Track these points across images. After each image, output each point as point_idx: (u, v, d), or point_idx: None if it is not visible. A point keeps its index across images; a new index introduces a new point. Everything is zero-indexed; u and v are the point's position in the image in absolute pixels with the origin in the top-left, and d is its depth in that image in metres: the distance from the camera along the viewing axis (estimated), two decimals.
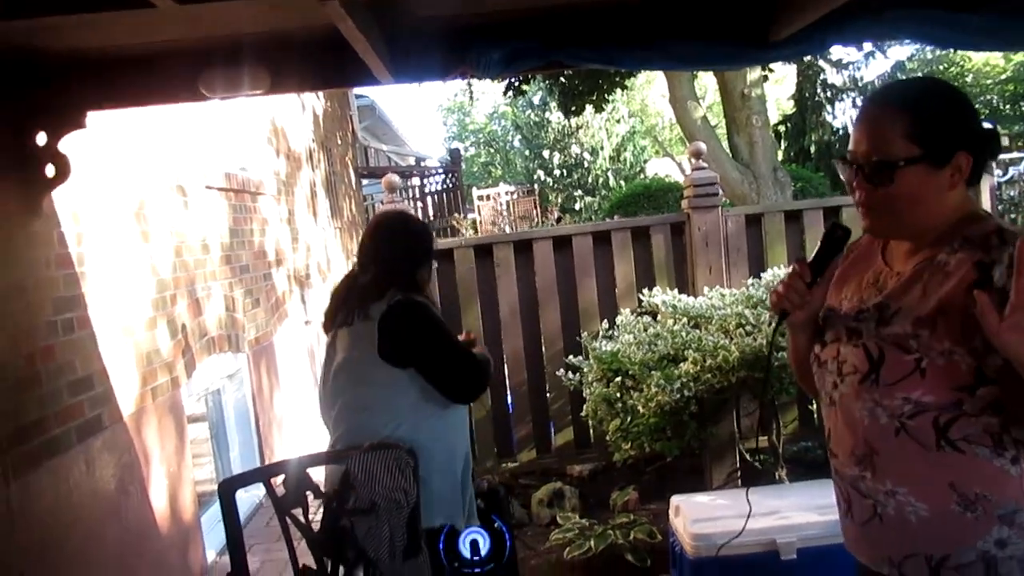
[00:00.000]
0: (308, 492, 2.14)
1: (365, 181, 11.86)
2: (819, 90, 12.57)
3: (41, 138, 2.69)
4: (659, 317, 3.87)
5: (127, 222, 3.53)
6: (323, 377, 2.46)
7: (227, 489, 2.08)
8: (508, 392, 4.28)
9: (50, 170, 2.70)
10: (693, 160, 4.22)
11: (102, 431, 3.09)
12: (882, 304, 1.40)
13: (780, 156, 11.30)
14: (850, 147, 1.41)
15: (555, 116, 18.27)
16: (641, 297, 4.02)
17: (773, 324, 1.77)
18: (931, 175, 1.34)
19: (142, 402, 3.45)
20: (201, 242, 4.41)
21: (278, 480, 2.23)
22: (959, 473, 1.31)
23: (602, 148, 18.81)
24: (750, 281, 3.92)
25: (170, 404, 3.74)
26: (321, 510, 2.16)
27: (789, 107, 13.28)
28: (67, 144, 2.75)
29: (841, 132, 12.70)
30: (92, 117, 2.74)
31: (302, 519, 2.12)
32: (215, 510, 4.29)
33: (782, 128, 12.72)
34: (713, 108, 15.85)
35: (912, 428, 1.33)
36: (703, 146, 4.37)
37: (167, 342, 3.77)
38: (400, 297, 2.29)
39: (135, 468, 3.33)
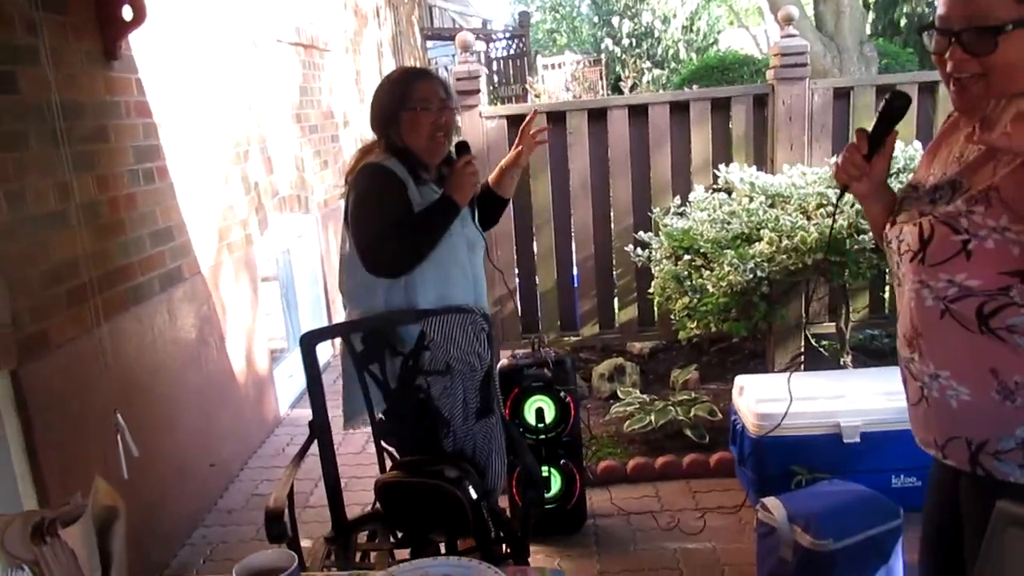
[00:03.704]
0: (386, 349, 2.17)
1: (429, 43, 11.54)
2: None
3: None
4: (734, 195, 3.75)
5: (201, 73, 3.49)
6: None
7: (309, 340, 2.12)
8: (574, 266, 4.26)
9: (127, 12, 2.68)
10: (783, 26, 3.95)
11: (182, 282, 3.18)
12: (955, 181, 1.32)
13: (867, 30, 10.60)
14: (940, 11, 1.27)
15: None
16: (717, 173, 3.89)
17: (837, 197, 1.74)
18: None
19: (219, 256, 3.52)
20: (272, 98, 4.38)
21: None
22: (1001, 360, 1.27)
23: (674, 16, 17.87)
24: (834, 159, 3.75)
25: (245, 260, 3.82)
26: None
27: None
28: None
29: (935, 3, 11.80)
30: None
31: (379, 375, 2.16)
32: (285, 365, 4.46)
33: None
34: None
35: (955, 311, 1.29)
36: (795, 11, 4.06)
37: (241, 198, 3.81)
38: (368, 161, 2.21)
39: (213, 320, 3.44)
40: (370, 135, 2.33)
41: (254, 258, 3.96)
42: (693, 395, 3.72)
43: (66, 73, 2.52)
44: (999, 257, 1.24)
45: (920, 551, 1.65)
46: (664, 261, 3.63)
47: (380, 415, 2.21)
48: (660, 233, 3.72)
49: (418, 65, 9.74)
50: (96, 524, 1.17)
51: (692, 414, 3.51)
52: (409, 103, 2.18)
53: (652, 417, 3.50)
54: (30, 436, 2.26)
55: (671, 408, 3.54)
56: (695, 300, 3.48)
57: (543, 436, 2.91)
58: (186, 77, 3.34)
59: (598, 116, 4.04)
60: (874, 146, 1.45)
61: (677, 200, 3.90)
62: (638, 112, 4.03)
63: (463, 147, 2.23)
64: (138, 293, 2.87)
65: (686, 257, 3.51)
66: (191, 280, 3.26)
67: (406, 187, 2.16)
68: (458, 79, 3.87)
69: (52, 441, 2.33)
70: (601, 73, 15.38)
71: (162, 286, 3.03)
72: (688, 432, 3.48)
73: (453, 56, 14.62)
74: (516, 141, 2.46)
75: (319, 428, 2.13)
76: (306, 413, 4.37)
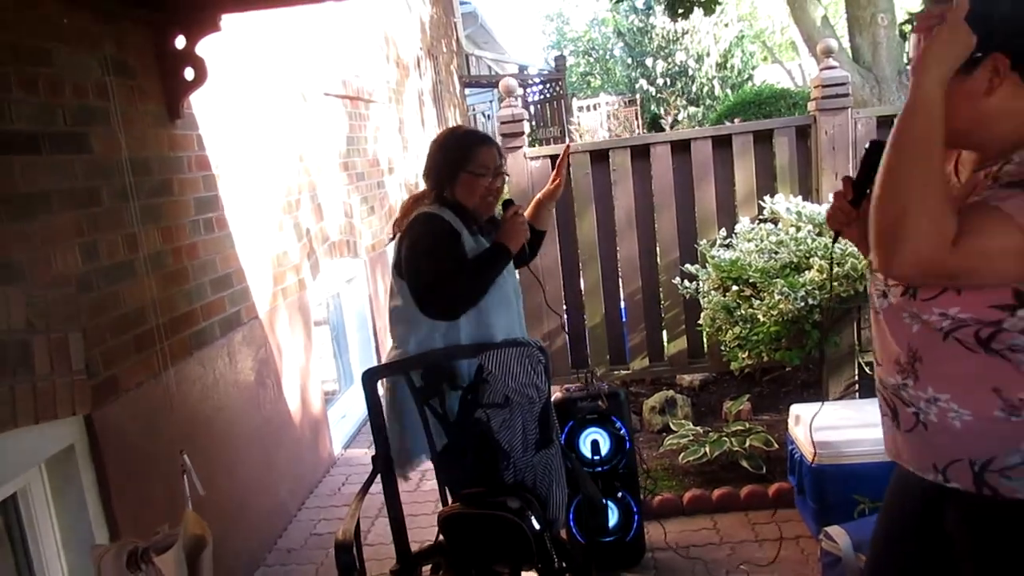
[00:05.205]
0: (444, 384, 2.21)
1: (468, 91, 11.77)
2: None
3: (180, 41, 2.79)
4: (780, 225, 3.76)
5: (255, 126, 3.63)
6: None
7: (370, 377, 2.18)
8: (622, 300, 4.28)
9: (189, 73, 2.81)
10: (823, 58, 3.99)
11: (241, 326, 3.28)
12: None
13: (905, 58, 10.56)
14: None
15: (659, 21, 17.54)
16: (762, 204, 3.90)
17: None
18: (959, 80, 1.23)
19: (274, 301, 3.62)
20: (321, 148, 4.52)
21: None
22: (1004, 379, 1.27)
23: (708, 55, 18.01)
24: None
25: (299, 304, 3.92)
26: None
27: (916, 5, 12.28)
28: (203, 48, 2.84)
29: None
30: (226, 20, 2.81)
31: (439, 409, 2.20)
32: (338, 406, 4.53)
33: (908, 28, 11.82)
34: (828, 8, 14.86)
35: (957, 335, 1.30)
36: (833, 43, 4.10)
37: (294, 245, 3.92)
38: (423, 210, 2.28)
39: (270, 363, 3.53)
40: (413, 180, 2.43)
41: (307, 302, 4.06)
42: (747, 425, 3.68)
43: (134, 132, 2.65)
44: (987, 293, 1.24)
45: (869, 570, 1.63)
46: (712, 292, 3.64)
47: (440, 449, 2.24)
48: (707, 265, 3.73)
49: (458, 112, 9.96)
50: (186, 552, 1.22)
51: (747, 444, 3.47)
52: (469, 166, 2.29)
53: (707, 448, 3.48)
54: (103, 476, 2.33)
55: (726, 439, 3.51)
56: (746, 330, 3.47)
57: (599, 468, 2.91)
58: (242, 131, 3.48)
59: (641, 153, 4.09)
60: (860, 192, 1.48)
61: (723, 232, 3.91)
62: (680, 148, 4.07)
63: (509, 203, 2.37)
64: (200, 338, 2.96)
65: (735, 288, 3.51)
66: (249, 324, 3.36)
67: (459, 236, 2.25)
68: (502, 122, 3.97)
69: (123, 480, 2.40)
70: (636, 112, 15.55)
71: (222, 331, 3.13)
72: (744, 463, 3.44)
73: (491, 103, 14.87)
74: (553, 175, 2.60)
75: (383, 462, 2.17)
76: (359, 453, 4.42)
